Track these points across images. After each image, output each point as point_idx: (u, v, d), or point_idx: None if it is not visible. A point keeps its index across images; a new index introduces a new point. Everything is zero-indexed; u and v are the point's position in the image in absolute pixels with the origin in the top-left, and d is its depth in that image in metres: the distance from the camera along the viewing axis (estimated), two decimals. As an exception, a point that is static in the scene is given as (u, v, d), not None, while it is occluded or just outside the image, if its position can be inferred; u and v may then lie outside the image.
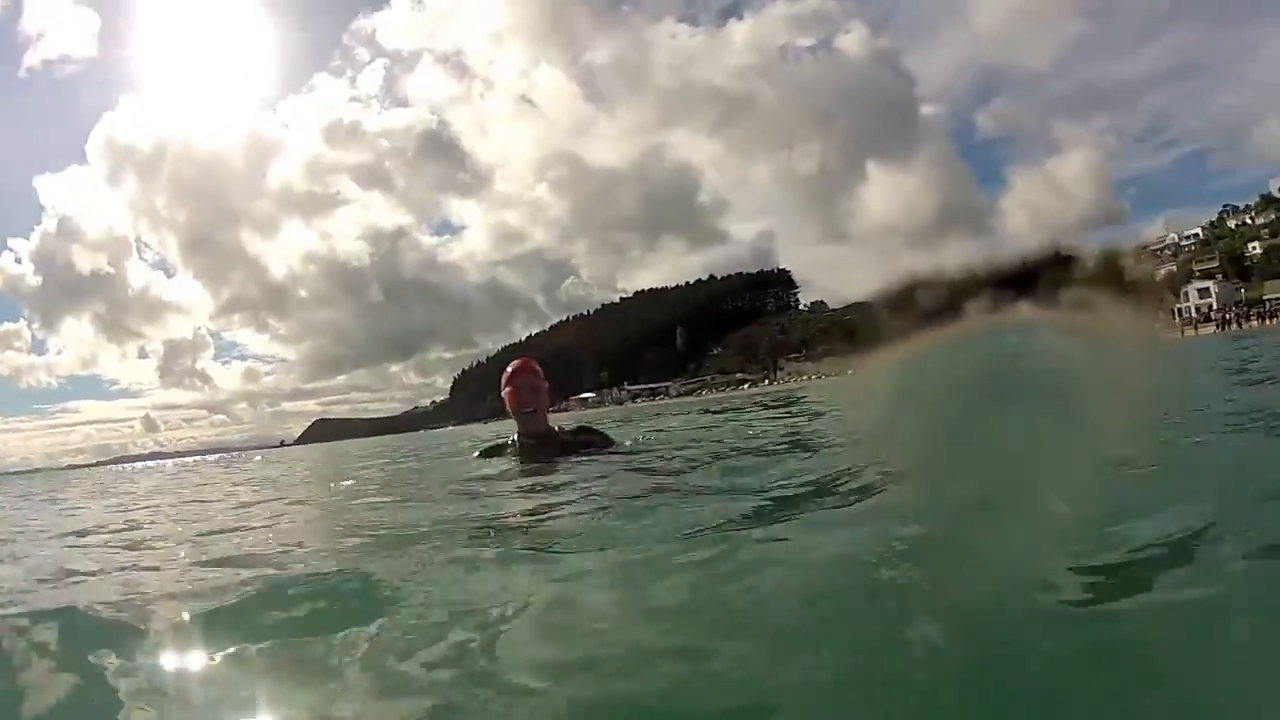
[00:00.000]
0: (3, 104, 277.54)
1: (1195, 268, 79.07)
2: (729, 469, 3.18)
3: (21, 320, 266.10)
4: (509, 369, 4.09)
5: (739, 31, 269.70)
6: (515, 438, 4.12)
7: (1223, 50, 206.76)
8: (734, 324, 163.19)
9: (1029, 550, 1.36)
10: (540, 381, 4.06)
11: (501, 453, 4.19)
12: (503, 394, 4.04)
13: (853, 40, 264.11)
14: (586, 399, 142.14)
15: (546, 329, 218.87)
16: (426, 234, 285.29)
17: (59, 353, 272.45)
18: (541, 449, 3.94)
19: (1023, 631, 1.08)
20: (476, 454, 4.40)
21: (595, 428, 4.33)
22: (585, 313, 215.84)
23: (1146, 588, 1.21)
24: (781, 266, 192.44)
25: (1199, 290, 73.25)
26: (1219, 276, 75.32)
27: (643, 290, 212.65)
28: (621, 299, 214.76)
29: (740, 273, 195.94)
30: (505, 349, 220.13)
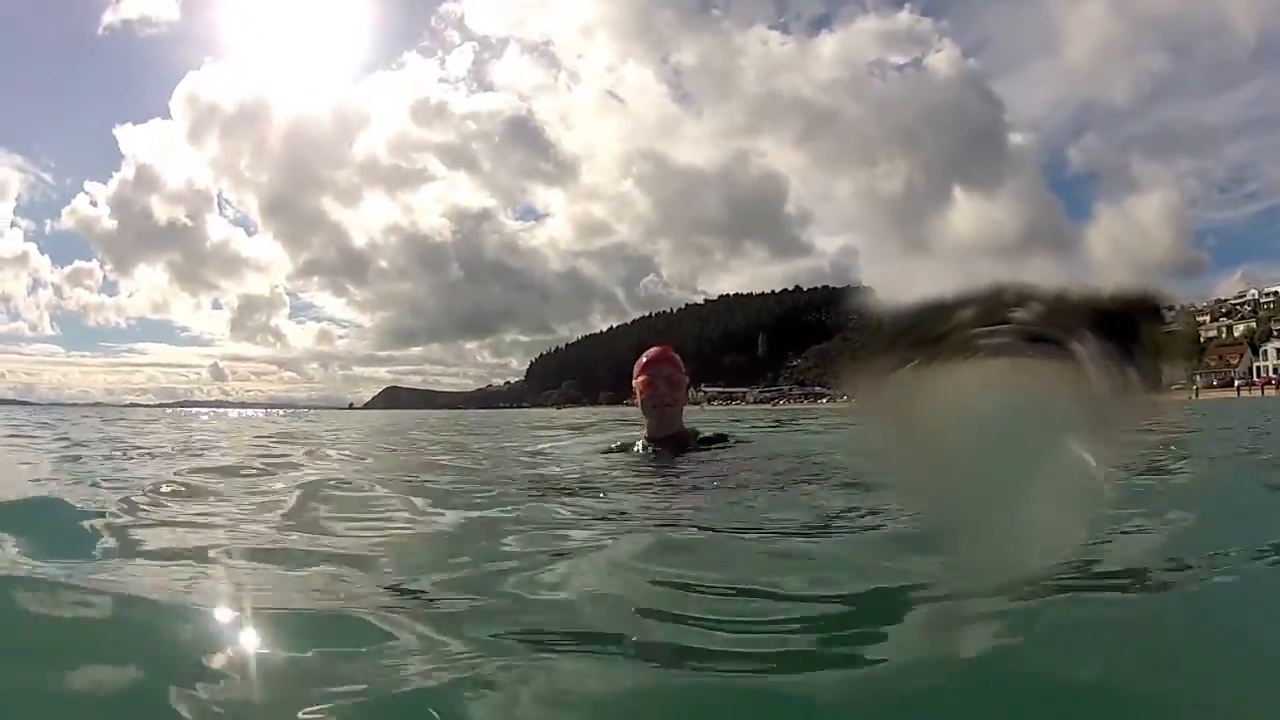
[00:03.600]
0: (80, 57, 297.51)
1: (1274, 327, 76.73)
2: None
3: (94, 260, 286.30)
4: (645, 355, 3.61)
5: (828, 43, 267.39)
6: (641, 443, 3.53)
7: None
8: (815, 337, 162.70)
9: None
10: (680, 374, 3.58)
11: (628, 455, 3.58)
12: (634, 382, 3.56)
13: (942, 59, 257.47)
14: None
15: (628, 322, 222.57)
16: (510, 218, 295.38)
17: (130, 295, 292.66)
18: (670, 452, 3.39)
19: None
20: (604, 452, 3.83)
21: (734, 435, 3.78)
22: (668, 310, 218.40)
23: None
24: (865, 283, 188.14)
25: (1277, 350, 72.27)
26: None
27: (727, 294, 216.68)
28: (705, 300, 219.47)
29: (826, 286, 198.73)
30: (585, 338, 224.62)
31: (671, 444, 3.45)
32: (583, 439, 4.94)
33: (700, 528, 1.95)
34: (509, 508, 2.26)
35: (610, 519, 2.10)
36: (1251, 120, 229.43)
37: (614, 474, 3.08)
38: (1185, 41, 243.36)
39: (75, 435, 7.33)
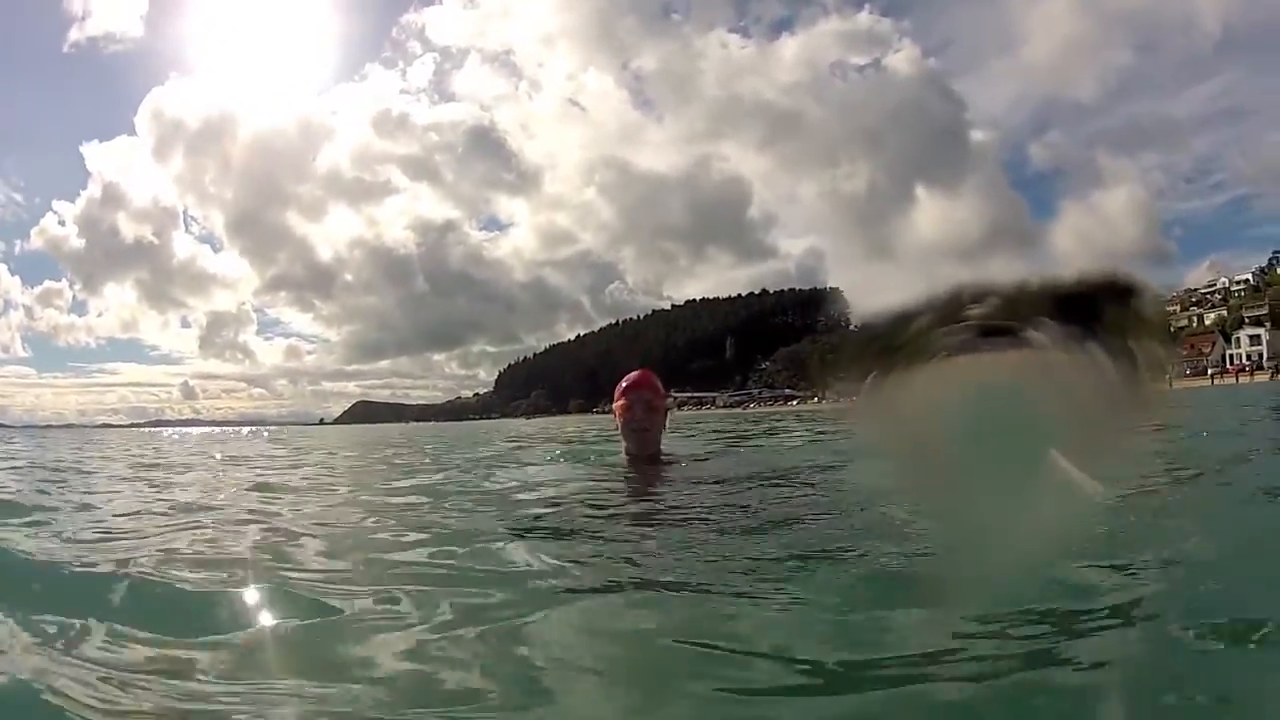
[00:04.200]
0: (46, 75, 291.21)
1: (1245, 314, 77.54)
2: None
3: (63, 280, 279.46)
4: (626, 380, 3.68)
5: (789, 46, 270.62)
6: (622, 457, 3.73)
7: (1271, 94, 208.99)
8: (783, 340, 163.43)
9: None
10: (659, 399, 3.67)
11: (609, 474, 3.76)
12: (614, 406, 3.67)
13: (902, 59, 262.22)
14: None
15: (596, 330, 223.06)
16: (474, 229, 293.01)
17: (100, 315, 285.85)
18: (648, 472, 3.54)
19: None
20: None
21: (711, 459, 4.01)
22: (635, 317, 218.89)
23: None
24: (832, 285, 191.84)
25: (1250, 337, 72.73)
26: (1267, 324, 73.70)
27: (693, 299, 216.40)
28: (672, 306, 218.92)
29: (793, 289, 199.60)
30: (552, 347, 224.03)
31: (648, 463, 3.60)
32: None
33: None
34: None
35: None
36: (1217, 113, 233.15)
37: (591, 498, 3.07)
38: (1151, 37, 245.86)
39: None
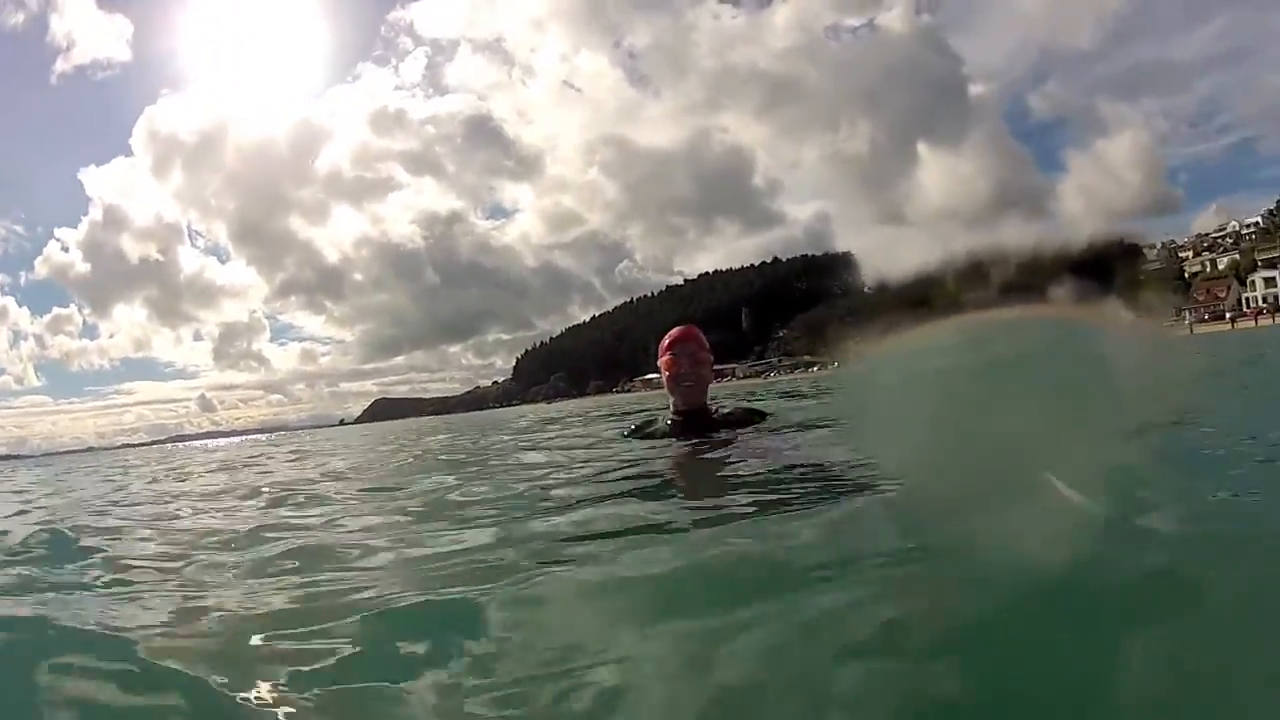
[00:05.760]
0: (37, 107, 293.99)
1: (1258, 257, 78.95)
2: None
3: (72, 305, 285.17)
4: (670, 335, 3.74)
5: (781, 12, 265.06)
6: (669, 416, 3.75)
7: (1273, 34, 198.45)
8: (799, 306, 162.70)
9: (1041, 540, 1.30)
10: (704, 352, 3.70)
11: (651, 433, 3.81)
12: (659, 362, 3.71)
13: (895, 18, 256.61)
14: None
15: (610, 310, 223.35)
16: (480, 218, 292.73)
17: (111, 336, 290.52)
18: (694, 426, 3.61)
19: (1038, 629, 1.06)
20: (625, 434, 4.08)
21: (756, 407, 4.01)
22: (649, 294, 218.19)
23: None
24: (842, 249, 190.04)
25: (1265, 279, 74.63)
26: None
27: (706, 273, 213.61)
28: (685, 281, 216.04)
29: (805, 255, 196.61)
30: (567, 330, 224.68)
31: (695, 420, 3.65)
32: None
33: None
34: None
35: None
36: (1219, 55, 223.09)
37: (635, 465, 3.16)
38: None
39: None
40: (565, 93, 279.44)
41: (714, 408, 3.81)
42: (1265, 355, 9.35)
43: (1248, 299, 72.31)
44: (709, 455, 3.24)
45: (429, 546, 2.01)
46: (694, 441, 3.50)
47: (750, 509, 2.11)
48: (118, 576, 1.98)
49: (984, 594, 1.16)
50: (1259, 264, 77.59)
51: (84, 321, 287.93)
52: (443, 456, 6.05)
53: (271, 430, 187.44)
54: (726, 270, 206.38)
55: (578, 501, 2.42)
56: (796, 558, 1.53)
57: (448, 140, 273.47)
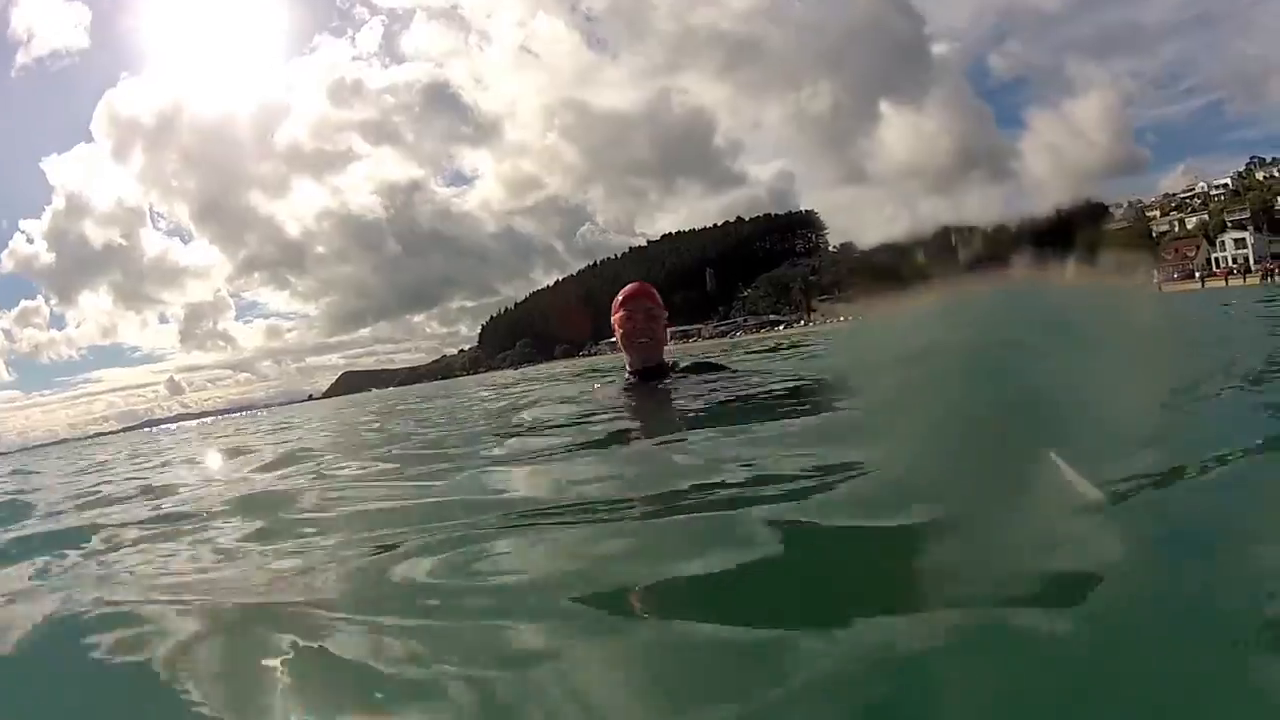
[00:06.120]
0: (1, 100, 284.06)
1: (1227, 218, 78.86)
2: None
3: (39, 297, 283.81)
4: (622, 293, 3.66)
5: None
6: (626, 377, 3.71)
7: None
8: (763, 266, 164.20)
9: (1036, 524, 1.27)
10: (658, 308, 3.64)
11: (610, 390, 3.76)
12: (613, 320, 3.64)
13: None
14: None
15: (574, 274, 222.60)
16: (441, 185, 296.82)
17: (78, 325, 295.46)
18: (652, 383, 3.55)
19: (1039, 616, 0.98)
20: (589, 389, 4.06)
21: (716, 361, 3.99)
22: (613, 256, 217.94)
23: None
24: (805, 208, 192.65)
25: (1235, 240, 74.26)
26: (1250, 228, 75.16)
27: (669, 234, 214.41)
28: (648, 243, 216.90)
29: (768, 214, 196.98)
30: (532, 295, 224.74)
31: (652, 377, 3.59)
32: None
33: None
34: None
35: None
36: (1187, 19, 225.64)
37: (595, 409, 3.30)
38: None
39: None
40: (523, 57, 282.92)
41: (670, 362, 3.72)
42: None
43: (1217, 259, 71.72)
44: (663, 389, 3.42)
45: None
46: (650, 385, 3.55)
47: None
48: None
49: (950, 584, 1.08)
50: (1228, 224, 77.52)
51: (51, 312, 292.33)
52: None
53: (240, 409, 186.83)
54: (690, 231, 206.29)
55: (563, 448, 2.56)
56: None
57: (406, 109, 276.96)
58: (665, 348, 3.76)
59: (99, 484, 4.44)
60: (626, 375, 3.73)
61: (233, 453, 5.55)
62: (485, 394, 8.98)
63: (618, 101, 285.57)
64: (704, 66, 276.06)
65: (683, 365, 3.74)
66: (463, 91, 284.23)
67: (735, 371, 3.74)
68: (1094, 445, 1.48)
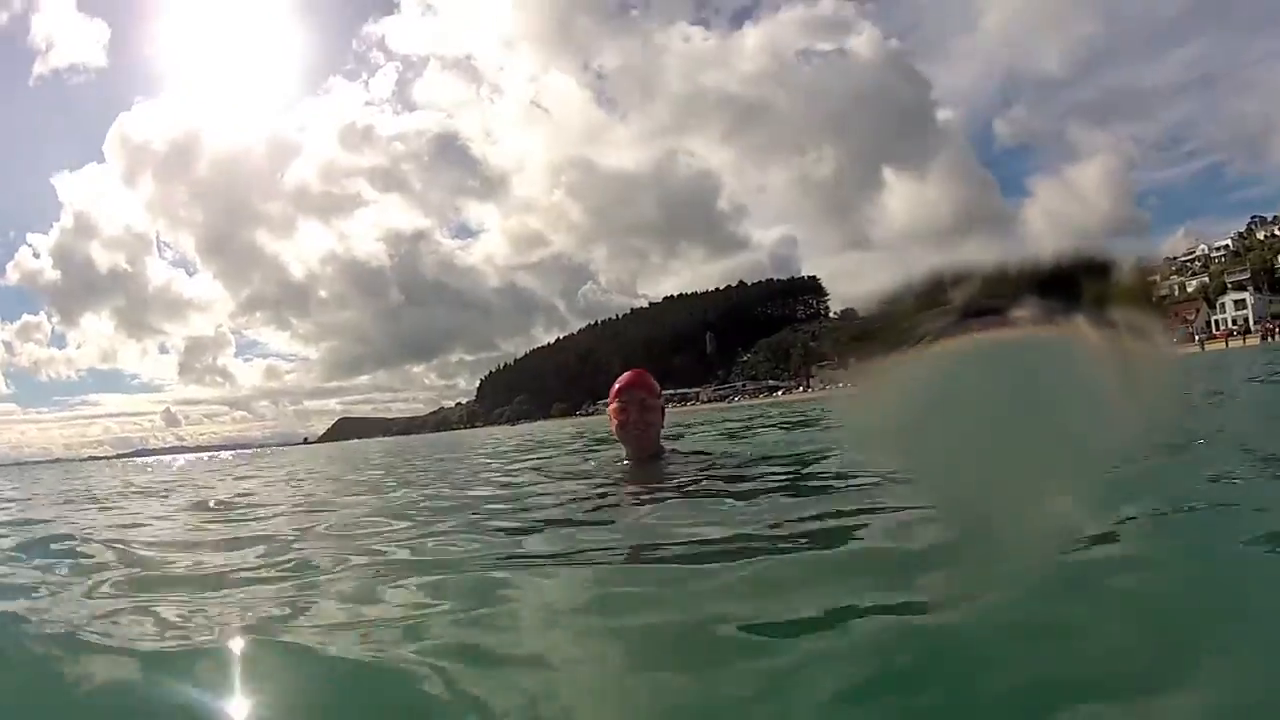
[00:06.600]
0: (14, 108, 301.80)
1: (1227, 280, 79.97)
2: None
3: (42, 313, 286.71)
4: (619, 381, 3.67)
5: (751, 36, 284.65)
6: (621, 462, 3.75)
7: (1241, 59, 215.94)
8: (764, 331, 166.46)
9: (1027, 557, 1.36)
10: (654, 399, 3.65)
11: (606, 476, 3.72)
12: (608, 409, 3.71)
13: (864, 42, 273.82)
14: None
15: (575, 332, 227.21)
16: (445, 237, 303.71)
17: (79, 346, 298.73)
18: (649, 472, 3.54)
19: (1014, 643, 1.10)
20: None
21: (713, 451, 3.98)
22: (613, 317, 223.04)
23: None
24: (808, 274, 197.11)
25: (1235, 302, 74.96)
26: (1250, 288, 76.26)
27: (671, 296, 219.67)
28: (650, 304, 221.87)
29: (771, 279, 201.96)
30: (531, 352, 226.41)
31: (645, 466, 3.57)
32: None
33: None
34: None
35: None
36: (1188, 81, 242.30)
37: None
38: (1118, 7, 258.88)
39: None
40: (533, 113, 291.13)
41: (665, 449, 3.76)
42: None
43: (1217, 321, 72.03)
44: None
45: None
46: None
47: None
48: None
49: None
50: (1228, 286, 78.10)
51: (53, 330, 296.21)
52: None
53: (235, 447, 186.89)
54: (691, 294, 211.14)
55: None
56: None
57: (415, 158, 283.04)
58: (662, 429, 3.78)
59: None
60: (622, 462, 3.76)
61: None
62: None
63: (624, 161, 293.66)
64: (711, 129, 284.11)
65: (682, 452, 3.82)
66: (472, 144, 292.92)
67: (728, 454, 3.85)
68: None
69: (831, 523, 2.10)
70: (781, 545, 1.88)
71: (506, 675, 1.17)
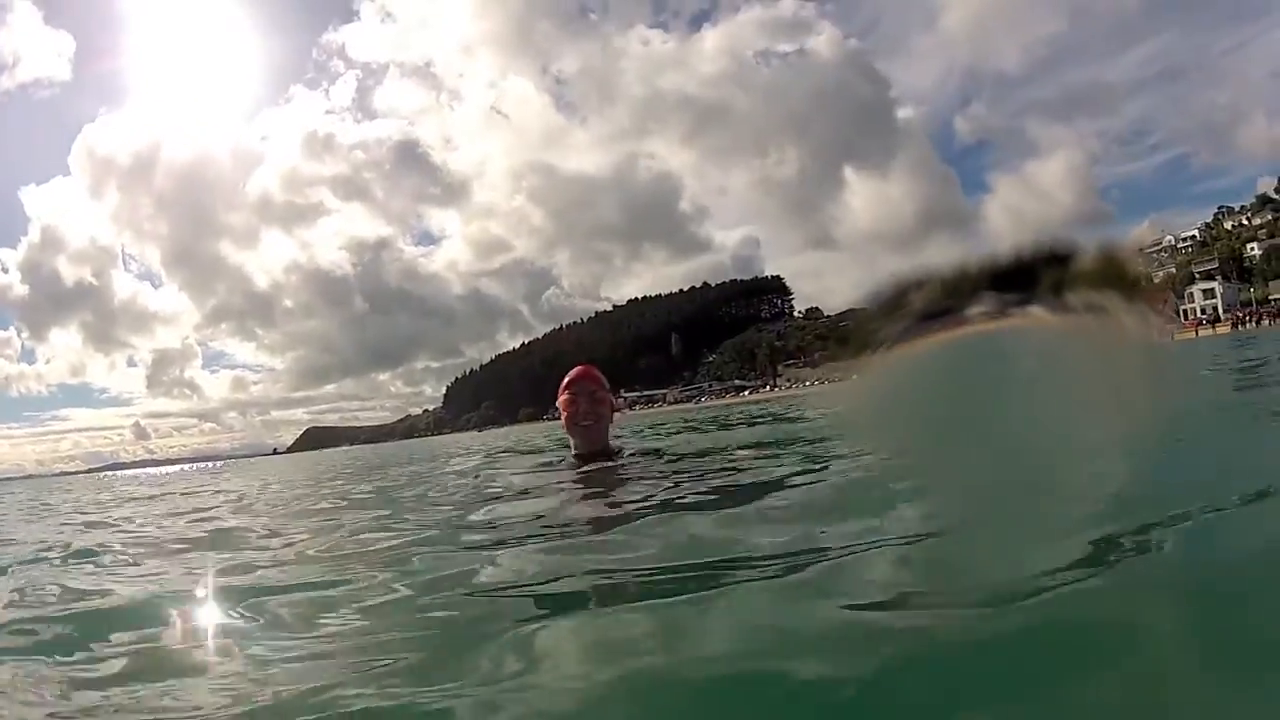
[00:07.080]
0: None
1: (1195, 269, 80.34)
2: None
3: (11, 328, 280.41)
4: (568, 375, 3.67)
5: (710, 38, 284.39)
6: (569, 459, 3.72)
7: (1204, 52, 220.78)
8: (729, 331, 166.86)
9: (1020, 554, 1.34)
10: (603, 391, 3.65)
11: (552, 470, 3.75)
12: (557, 403, 3.69)
13: (823, 42, 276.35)
14: None
15: (540, 336, 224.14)
16: (409, 244, 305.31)
17: (48, 361, 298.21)
18: (599, 468, 3.52)
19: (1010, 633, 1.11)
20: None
21: (665, 450, 3.99)
22: (579, 320, 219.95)
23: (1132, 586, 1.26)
24: (771, 274, 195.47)
25: (1203, 291, 75.48)
26: (1219, 278, 76.94)
27: (636, 298, 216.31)
28: (614, 307, 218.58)
29: (735, 279, 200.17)
30: (497, 358, 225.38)
31: (595, 459, 3.59)
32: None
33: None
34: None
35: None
36: (1151, 75, 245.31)
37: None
38: (1081, 4, 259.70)
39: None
40: (493, 118, 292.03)
41: (616, 447, 3.77)
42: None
43: (1185, 310, 71.87)
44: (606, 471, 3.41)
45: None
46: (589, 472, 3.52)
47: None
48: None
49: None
50: (1196, 276, 78.04)
51: (22, 345, 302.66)
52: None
53: (205, 459, 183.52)
54: (655, 296, 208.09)
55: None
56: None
57: (376, 165, 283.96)
58: (612, 429, 3.84)
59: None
60: (570, 458, 3.71)
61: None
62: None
63: (585, 165, 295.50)
64: (671, 132, 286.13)
65: (629, 452, 3.75)
66: (432, 150, 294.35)
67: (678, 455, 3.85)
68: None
69: (780, 518, 2.11)
70: (734, 555, 1.80)
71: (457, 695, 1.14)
